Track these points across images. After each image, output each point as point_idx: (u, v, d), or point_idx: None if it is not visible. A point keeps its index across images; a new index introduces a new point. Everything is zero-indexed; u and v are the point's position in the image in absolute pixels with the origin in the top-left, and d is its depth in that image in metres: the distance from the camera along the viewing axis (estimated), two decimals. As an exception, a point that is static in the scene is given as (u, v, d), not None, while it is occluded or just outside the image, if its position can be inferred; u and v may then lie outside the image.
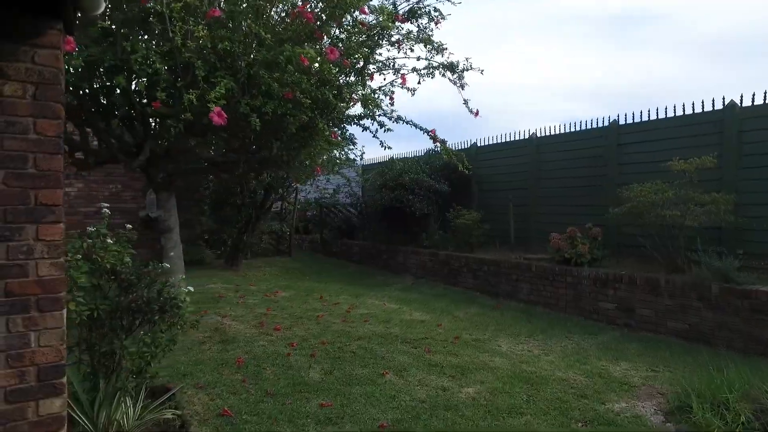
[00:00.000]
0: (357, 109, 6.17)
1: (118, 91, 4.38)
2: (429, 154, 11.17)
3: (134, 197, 11.63)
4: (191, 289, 3.45)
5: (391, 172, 10.54)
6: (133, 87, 4.17)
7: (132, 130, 5.00)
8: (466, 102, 5.51)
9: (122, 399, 2.95)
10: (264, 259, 12.98)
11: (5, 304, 2.48)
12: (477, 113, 5.53)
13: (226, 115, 3.59)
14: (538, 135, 8.96)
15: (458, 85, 5.44)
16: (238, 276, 10.14)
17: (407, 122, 5.40)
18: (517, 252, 8.49)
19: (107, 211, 3.45)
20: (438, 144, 5.28)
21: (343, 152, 11.80)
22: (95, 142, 5.92)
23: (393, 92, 6.08)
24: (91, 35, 3.95)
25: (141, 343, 2.98)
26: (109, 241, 3.04)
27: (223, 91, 3.84)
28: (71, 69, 3.91)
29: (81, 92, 4.23)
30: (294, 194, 14.10)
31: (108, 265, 2.99)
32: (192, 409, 3.47)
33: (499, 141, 9.81)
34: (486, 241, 9.23)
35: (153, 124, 5.47)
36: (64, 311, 2.64)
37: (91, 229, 3.18)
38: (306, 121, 4.99)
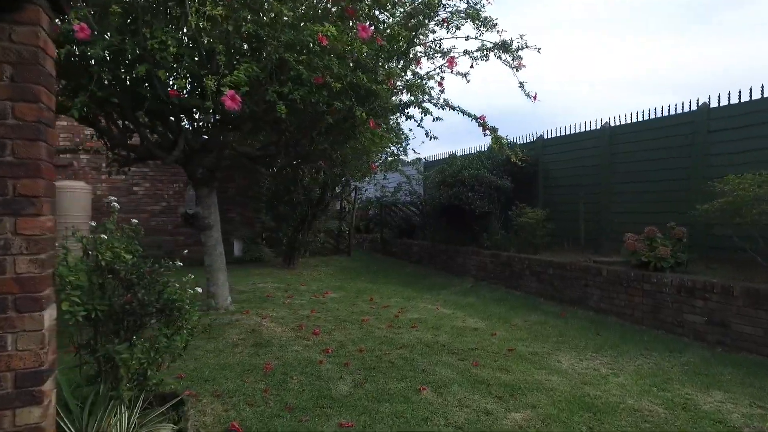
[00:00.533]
0: (402, 98, 5.73)
1: (147, 84, 4.21)
2: (491, 148, 10.45)
3: (197, 196, 11.90)
4: (199, 290, 3.15)
5: (450, 168, 9.97)
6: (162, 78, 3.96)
7: (167, 124, 4.87)
8: (522, 85, 4.87)
9: (115, 408, 2.70)
10: (322, 258, 12.86)
11: (-15, 303, 2.28)
12: (535, 97, 4.88)
13: (240, 99, 3.27)
14: (612, 124, 8.01)
15: (513, 66, 4.82)
16: (292, 275, 10.03)
17: (454, 108, 4.86)
18: (586, 254, 7.63)
19: (116, 204, 3.25)
20: (488, 132, 4.69)
21: (401, 148, 11.44)
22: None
23: (443, 78, 5.57)
24: (113, 24, 3.79)
25: (135, 348, 2.70)
26: (103, 236, 2.80)
27: (242, 76, 3.53)
28: (94, 60, 3.77)
29: (111, 85, 4.10)
30: (353, 192, 13.90)
31: (103, 263, 2.75)
32: (200, 421, 3.18)
33: (567, 133, 8.93)
34: (552, 242, 8.41)
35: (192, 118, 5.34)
36: (46, 313, 2.41)
37: (92, 224, 2.97)
38: (344, 110, 4.61)
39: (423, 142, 14.34)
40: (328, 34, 3.46)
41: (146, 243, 9.59)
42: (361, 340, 5.21)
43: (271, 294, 7.68)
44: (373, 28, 4.35)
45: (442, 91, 5.62)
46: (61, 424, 2.60)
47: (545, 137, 9.40)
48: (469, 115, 4.74)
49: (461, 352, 4.86)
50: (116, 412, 2.74)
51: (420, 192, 12.62)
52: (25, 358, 2.34)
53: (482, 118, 4.65)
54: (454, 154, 12.01)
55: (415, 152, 13.54)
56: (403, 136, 11.09)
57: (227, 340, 5.05)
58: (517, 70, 4.81)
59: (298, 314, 6.30)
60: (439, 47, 5.06)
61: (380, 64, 4.49)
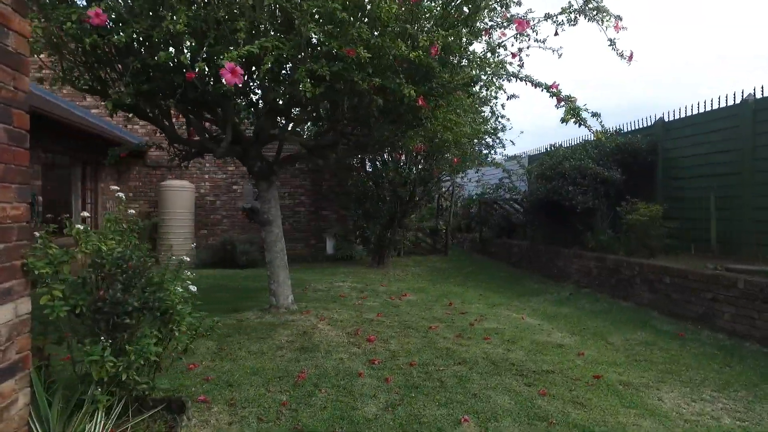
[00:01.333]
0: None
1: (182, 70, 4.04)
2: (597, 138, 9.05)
3: (291, 194, 12.13)
4: (193, 288, 2.83)
5: (550, 160, 8.85)
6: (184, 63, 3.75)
7: (214, 115, 4.72)
8: (612, 42, 3.87)
9: (86, 414, 2.45)
10: (416, 257, 12.37)
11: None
12: (631, 57, 3.85)
13: (241, 72, 2.90)
14: (757, 96, 6.34)
15: (597, 20, 3.85)
16: (378, 275, 9.67)
17: (522, 78, 4.03)
18: (717, 260, 6.13)
19: (121, 195, 3.06)
20: (562, 103, 3.76)
21: (496, 139, 10.53)
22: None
23: (520, 50, 4.73)
24: (144, 9, 3.66)
25: (107, 350, 2.43)
26: (78, 227, 2.58)
27: (256, 51, 3.15)
28: (120, 47, 3.67)
29: (141, 74, 4.00)
30: (451, 189, 13.21)
31: (80, 255, 2.53)
32: (195, 435, 2.86)
33: (694, 112, 7.32)
34: (674, 244, 6.96)
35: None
36: (3, 308, 2.22)
37: (84, 214, 2.79)
38: (396, 90, 4.04)
39: (522, 132, 13.09)
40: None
41: (242, 239, 9.78)
42: (419, 351, 4.60)
43: (345, 294, 7.36)
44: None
45: (521, 66, 4.79)
46: (32, 427, 2.41)
47: (667, 119, 7.85)
48: (539, 84, 3.87)
49: (531, 374, 4.01)
50: (96, 417, 2.50)
51: (521, 188, 11.53)
52: (-27, 356, 2.17)
53: (554, 86, 3.75)
54: (560, 145, 10.76)
55: (512, 144, 12.47)
56: (499, 126, 10.20)
57: (275, 341, 4.77)
58: (601, 23, 3.82)
59: (362, 317, 5.85)
60: (507, 7, 4.23)
61: (422, 27, 3.83)
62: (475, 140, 10.32)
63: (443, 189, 12.90)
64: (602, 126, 3.79)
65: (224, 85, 3.66)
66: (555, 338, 5.16)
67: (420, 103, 3.85)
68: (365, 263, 11.13)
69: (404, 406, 3.34)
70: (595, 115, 3.80)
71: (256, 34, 3.60)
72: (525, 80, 4.01)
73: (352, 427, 3.02)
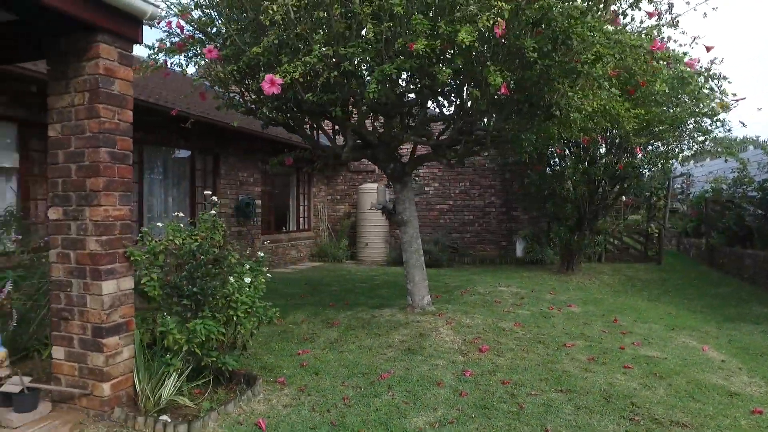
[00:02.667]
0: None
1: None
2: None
3: (481, 194, 12.02)
4: (248, 279, 3.20)
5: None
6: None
7: (338, 123, 5.12)
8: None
9: (164, 375, 3.05)
10: (619, 264, 10.83)
11: (76, 269, 3.03)
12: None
13: (279, 82, 3.14)
14: None
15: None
16: (558, 281, 8.87)
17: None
18: None
19: (215, 199, 3.65)
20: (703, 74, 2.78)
21: (716, 122, 8.52)
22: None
23: (671, 5, 3.85)
24: (248, 40, 4.25)
25: (170, 324, 2.99)
26: (158, 224, 3.19)
27: (313, 61, 3.38)
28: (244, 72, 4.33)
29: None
30: (667, 185, 11.13)
31: (161, 247, 3.15)
32: (249, 408, 3.22)
33: None
34: None
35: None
36: (105, 283, 2.96)
37: (179, 215, 3.44)
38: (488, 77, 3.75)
39: (760, 109, 10.01)
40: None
41: (425, 239, 10.17)
42: (526, 369, 4.12)
43: (501, 299, 6.97)
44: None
45: (676, 25, 3.83)
46: (134, 374, 3.11)
47: None
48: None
49: (649, 422, 3.19)
50: (172, 376, 3.09)
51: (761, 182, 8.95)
52: (94, 315, 2.97)
53: (658, 46, 2.79)
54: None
55: (743, 125, 9.82)
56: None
57: (388, 339, 4.89)
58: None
59: (496, 325, 5.49)
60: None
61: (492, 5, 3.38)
62: (690, 125, 8.48)
63: (663, 184, 10.91)
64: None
65: (317, 95, 4.00)
66: (733, 382, 3.95)
67: (503, 91, 3.46)
68: (552, 269, 10.27)
69: (455, 426, 3.09)
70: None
71: (338, 42, 3.80)
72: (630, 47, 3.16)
73: (384, 435, 2.97)
